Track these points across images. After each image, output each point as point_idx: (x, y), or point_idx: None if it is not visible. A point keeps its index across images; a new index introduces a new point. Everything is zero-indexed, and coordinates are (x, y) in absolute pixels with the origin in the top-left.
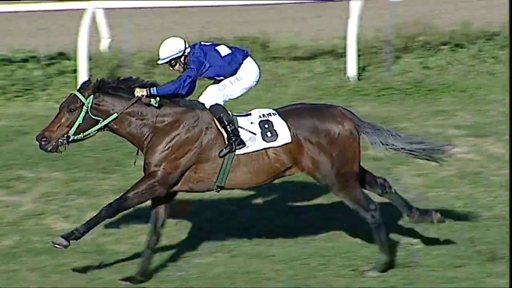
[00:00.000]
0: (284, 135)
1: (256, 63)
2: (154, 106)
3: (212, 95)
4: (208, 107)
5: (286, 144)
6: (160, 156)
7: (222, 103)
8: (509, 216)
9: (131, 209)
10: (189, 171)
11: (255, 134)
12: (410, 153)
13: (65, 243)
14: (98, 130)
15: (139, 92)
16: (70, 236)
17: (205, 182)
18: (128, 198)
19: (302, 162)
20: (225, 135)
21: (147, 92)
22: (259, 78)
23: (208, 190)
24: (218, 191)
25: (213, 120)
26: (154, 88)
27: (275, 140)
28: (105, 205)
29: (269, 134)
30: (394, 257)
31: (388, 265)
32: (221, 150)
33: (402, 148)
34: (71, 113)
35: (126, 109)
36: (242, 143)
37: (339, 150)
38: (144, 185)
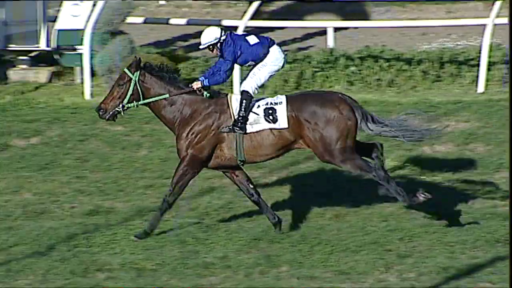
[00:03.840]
0: (282, 120)
1: (282, 50)
2: (206, 96)
3: (246, 82)
4: (240, 91)
5: (284, 128)
6: (186, 143)
7: (253, 89)
8: (509, 215)
9: None
10: (216, 150)
11: (258, 115)
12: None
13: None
14: (146, 103)
15: (197, 85)
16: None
17: (231, 159)
18: (174, 185)
19: (306, 139)
20: (234, 117)
21: (201, 84)
22: (283, 63)
23: (236, 165)
24: (242, 165)
25: (226, 105)
26: (206, 81)
27: (275, 123)
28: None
29: (271, 117)
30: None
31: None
32: (224, 127)
33: (393, 136)
34: (121, 87)
35: (176, 94)
36: (242, 130)
37: (335, 129)
38: (180, 170)
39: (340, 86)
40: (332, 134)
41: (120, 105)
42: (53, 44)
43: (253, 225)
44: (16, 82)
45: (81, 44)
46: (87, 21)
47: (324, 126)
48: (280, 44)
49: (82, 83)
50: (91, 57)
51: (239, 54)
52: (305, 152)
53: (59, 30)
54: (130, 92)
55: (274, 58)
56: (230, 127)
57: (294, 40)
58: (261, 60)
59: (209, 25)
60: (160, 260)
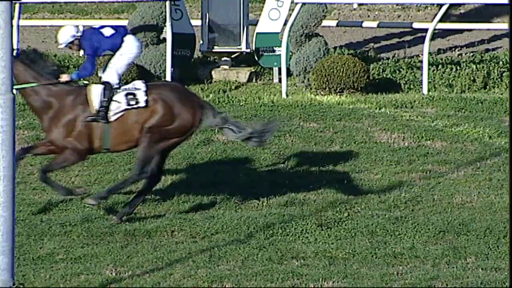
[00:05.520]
0: (141, 101)
1: (137, 39)
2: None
3: (107, 73)
4: (102, 82)
5: (143, 107)
6: (60, 135)
7: (113, 79)
8: (509, 214)
9: None
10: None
11: (120, 102)
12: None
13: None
14: (17, 89)
15: (65, 78)
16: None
17: (99, 147)
18: (52, 165)
19: (150, 112)
20: (96, 107)
21: (69, 78)
22: (139, 50)
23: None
24: (106, 152)
25: (86, 95)
26: (75, 74)
27: (136, 105)
28: None
29: (132, 102)
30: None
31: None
32: (88, 117)
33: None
34: None
35: (44, 84)
36: (104, 119)
37: (176, 126)
38: (61, 158)
39: None
40: (172, 127)
41: None
42: (253, 46)
43: (440, 218)
44: (218, 81)
45: (279, 46)
46: (285, 24)
47: (174, 117)
48: (461, 46)
49: (279, 82)
50: (288, 58)
51: (97, 46)
52: (457, 149)
53: (258, 33)
54: None
55: (130, 46)
56: (93, 117)
57: (481, 42)
58: (118, 49)
59: (399, 27)
60: (351, 249)
